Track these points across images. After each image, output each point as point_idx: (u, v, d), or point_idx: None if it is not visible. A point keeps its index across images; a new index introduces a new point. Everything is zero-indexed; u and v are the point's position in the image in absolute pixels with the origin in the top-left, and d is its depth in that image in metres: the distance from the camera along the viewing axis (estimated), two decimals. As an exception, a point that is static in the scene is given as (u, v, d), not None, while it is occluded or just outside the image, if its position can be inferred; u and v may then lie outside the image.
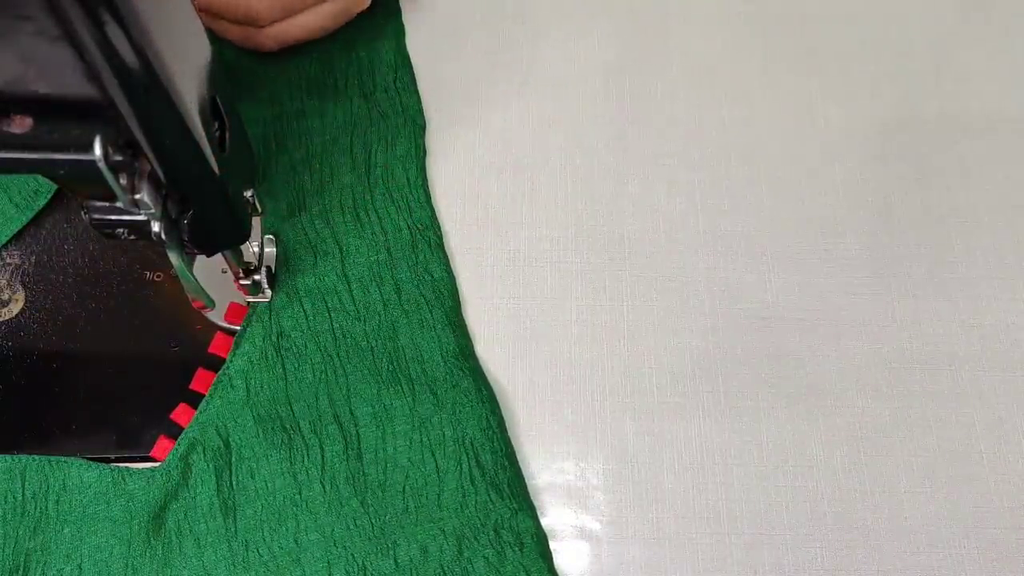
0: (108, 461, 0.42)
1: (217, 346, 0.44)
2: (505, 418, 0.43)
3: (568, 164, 0.50)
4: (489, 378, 0.44)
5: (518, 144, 0.50)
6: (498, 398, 0.43)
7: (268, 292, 0.44)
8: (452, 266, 0.46)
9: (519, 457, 0.42)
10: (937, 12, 0.55)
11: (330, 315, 0.44)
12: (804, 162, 0.50)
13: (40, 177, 0.47)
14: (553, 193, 0.49)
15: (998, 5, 0.55)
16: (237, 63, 0.51)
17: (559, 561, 0.40)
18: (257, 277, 0.43)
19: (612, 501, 0.41)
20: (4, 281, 0.46)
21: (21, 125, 0.28)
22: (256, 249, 0.44)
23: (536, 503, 0.41)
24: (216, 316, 0.45)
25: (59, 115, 0.28)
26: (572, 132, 0.51)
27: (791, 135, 0.51)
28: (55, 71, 0.26)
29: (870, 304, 0.46)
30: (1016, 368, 0.44)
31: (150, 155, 0.30)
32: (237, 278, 0.43)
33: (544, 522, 0.41)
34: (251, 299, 0.44)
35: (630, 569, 0.40)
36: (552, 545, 0.40)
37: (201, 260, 0.46)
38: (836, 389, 0.44)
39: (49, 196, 0.47)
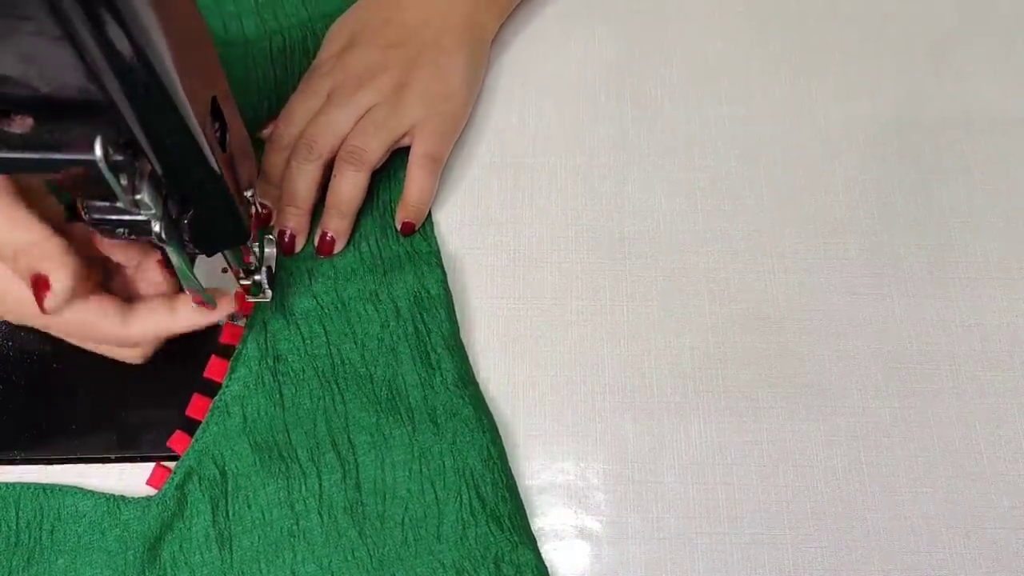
0: (108, 461, 0.42)
1: (212, 371, 0.43)
2: (505, 417, 0.43)
3: (568, 164, 0.50)
4: (489, 378, 0.44)
5: (518, 144, 0.50)
6: (498, 398, 0.43)
7: (269, 292, 0.44)
8: (452, 266, 0.46)
9: (520, 456, 0.42)
10: (937, 12, 0.55)
11: (327, 338, 0.44)
12: (804, 162, 0.50)
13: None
14: (553, 193, 0.49)
15: (998, 5, 0.55)
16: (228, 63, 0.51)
17: (559, 561, 0.40)
18: (258, 277, 0.43)
19: (612, 501, 0.41)
20: (4, 281, 0.46)
21: (22, 125, 0.28)
22: (256, 249, 0.44)
23: (536, 503, 0.41)
24: (218, 314, 0.45)
25: (59, 115, 0.28)
26: (572, 132, 0.51)
27: (791, 135, 0.51)
28: (55, 71, 0.26)
29: (870, 304, 0.46)
30: (1016, 368, 0.44)
31: (150, 155, 0.30)
32: (237, 278, 0.43)
33: (544, 522, 0.41)
34: (251, 300, 0.44)
35: (630, 569, 0.40)
36: (552, 545, 0.40)
37: (200, 259, 0.46)
38: (836, 389, 0.44)
39: None
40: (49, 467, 0.42)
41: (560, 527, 0.41)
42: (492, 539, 0.39)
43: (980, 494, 0.41)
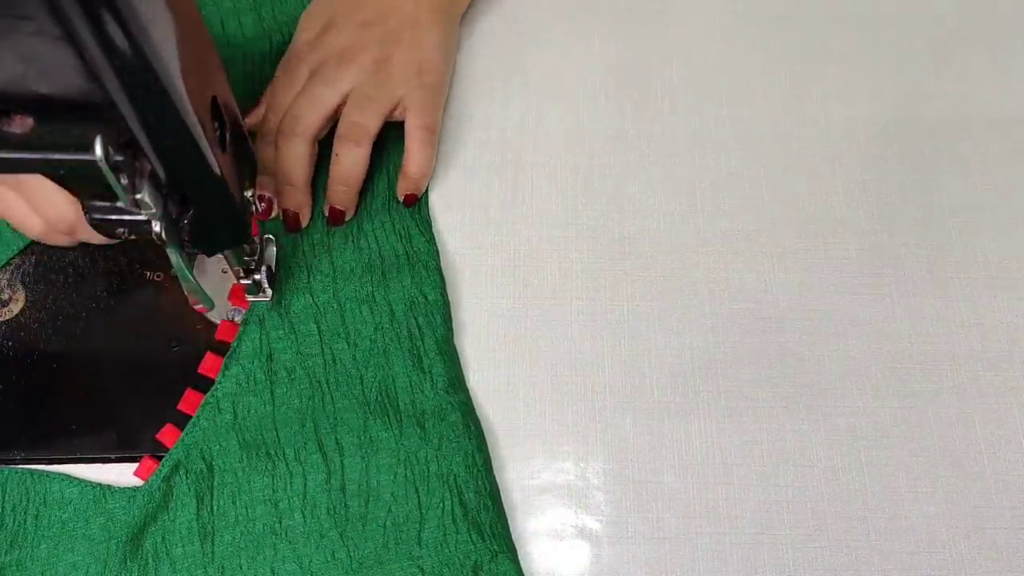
0: (108, 461, 0.42)
1: (207, 367, 0.44)
2: (505, 417, 0.43)
3: (568, 164, 0.50)
4: (490, 378, 0.44)
5: (518, 144, 0.50)
6: (498, 398, 0.43)
7: (268, 291, 0.44)
8: (451, 266, 0.46)
9: (520, 456, 0.42)
10: (937, 12, 0.55)
11: (321, 337, 0.44)
12: (804, 162, 0.50)
13: None
14: (553, 193, 0.49)
15: (998, 5, 0.55)
16: (232, 66, 0.51)
17: (559, 561, 0.40)
18: (257, 276, 0.43)
19: (612, 501, 0.41)
20: (4, 281, 0.46)
21: (22, 125, 0.28)
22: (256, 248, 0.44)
23: (536, 503, 0.41)
24: (215, 316, 0.45)
25: (59, 115, 0.28)
26: (572, 132, 0.51)
27: (791, 135, 0.51)
28: (55, 71, 0.26)
29: (870, 304, 0.46)
30: (1016, 367, 0.44)
31: (150, 155, 0.30)
32: (237, 278, 0.43)
33: (544, 522, 0.41)
34: (251, 298, 0.44)
35: (630, 569, 0.40)
36: (552, 545, 0.40)
37: (201, 259, 0.46)
38: (836, 389, 0.44)
39: None
40: (49, 467, 0.42)
41: (560, 527, 0.41)
42: (472, 547, 0.39)
43: (980, 494, 0.41)
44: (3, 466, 0.41)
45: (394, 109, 0.47)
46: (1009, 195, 0.49)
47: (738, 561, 0.40)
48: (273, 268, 0.44)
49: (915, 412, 0.43)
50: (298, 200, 0.46)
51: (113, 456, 0.42)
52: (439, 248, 0.47)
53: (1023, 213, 0.48)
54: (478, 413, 0.43)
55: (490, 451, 0.42)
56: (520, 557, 0.40)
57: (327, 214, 0.46)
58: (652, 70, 0.53)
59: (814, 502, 0.41)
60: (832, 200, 0.49)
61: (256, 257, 0.43)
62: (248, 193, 0.39)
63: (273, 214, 0.46)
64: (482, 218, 0.48)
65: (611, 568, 0.40)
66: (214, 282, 0.46)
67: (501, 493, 0.41)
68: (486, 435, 0.42)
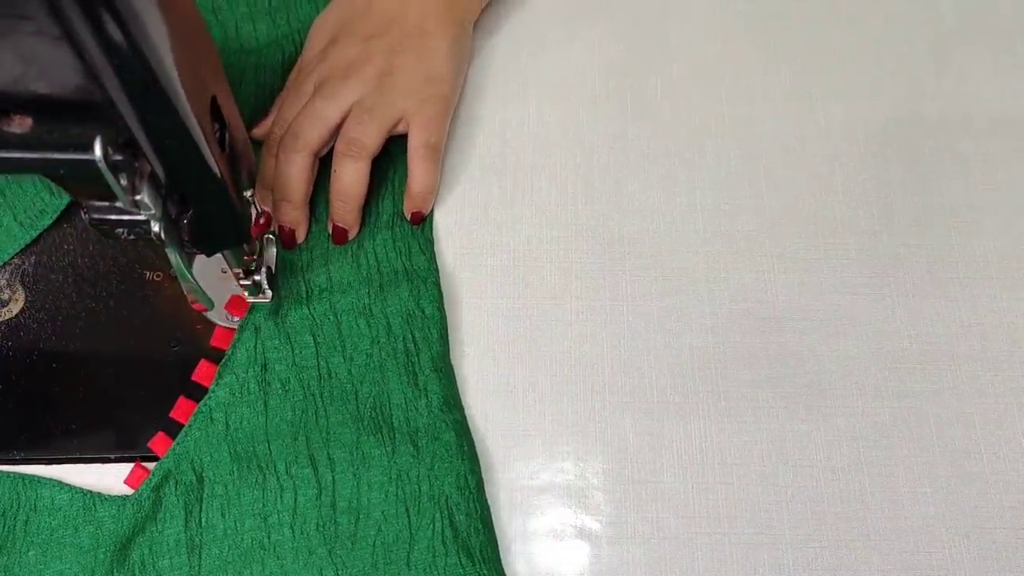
0: (108, 461, 0.42)
1: (200, 375, 0.43)
2: (505, 417, 0.43)
3: (568, 164, 0.49)
4: (489, 379, 0.44)
5: (518, 144, 0.50)
6: (498, 398, 0.43)
7: (268, 292, 0.44)
8: (451, 267, 0.46)
9: (520, 456, 0.42)
10: (937, 12, 0.55)
11: (316, 349, 0.43)
12: (804, 162, 0.50)
13: (46, 196, 0.47)
14: (553, 193, 0.49)
15: (998, 5, 0.55)
16: (235, 69, 0.51)
17: (559, 561, 0.40)
18: (257, 277, 0.43)
19: (612, 501, 0.41)
20: (4, 281, 0.46)
21: (21, 125, 0.28)
22: (256, 249, 0.44)
23: (536, 503, 0.41)
24: (215, 316, 0.45)
25: (59, 115, 0.28)
26: (572, 132, 0.51)
27: (791, 135, 0.51)
28: (55, 71, 0.26)
29: (870, 304, 0.46)
30: (1016, 367, 0.44)
31: (150, 155, 0.30)
32: (237, 279, 0.43)
33: (544, 522, 0.41)
34: (251, 299, 0.44)
35: (630, 569, 0.40)
36: (552, 545, 0.40)
37: (201, 260, 0.46)
38: (836, 389, 0.44)
39: (55, 216, 0.46)
40: (49, 467, 0.42)
41: (560, 527, 0.41)
42: (461, 570, 0.39)
43: (980, 494, 0.41)
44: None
45: (397, 123, 0.46)
46: (1009, 195, 0.49)
47: (738, 561, 0.40)
48: (273, 269, 0.44)
49: (915, 412, 0.43)
50: (294, 217, 0.45)
51: (112, 456, 0.42)
52: (439, 249, 0.46)
53: (1023, 213, 0.48)
54: (478, 412, 0.43)
55: (490, 451, 0.42)
56: (520, 557, 0.40)
57: (330, 232, 0.46)
58: (652, 70, 0.53)
59: (814, 502, 0.41)
60: (832, 200, 0.49)
61: (256, 257, 0.43)
62: (248, 193, 0.39)
63: (272, 227, 0.46)
64: (482, 218, 0.48)
65: (611, 568, 0.40)
66: (214, 282, 0.46)
67: (501, 493, 0.41)
68: (486, 435, 0.42)
